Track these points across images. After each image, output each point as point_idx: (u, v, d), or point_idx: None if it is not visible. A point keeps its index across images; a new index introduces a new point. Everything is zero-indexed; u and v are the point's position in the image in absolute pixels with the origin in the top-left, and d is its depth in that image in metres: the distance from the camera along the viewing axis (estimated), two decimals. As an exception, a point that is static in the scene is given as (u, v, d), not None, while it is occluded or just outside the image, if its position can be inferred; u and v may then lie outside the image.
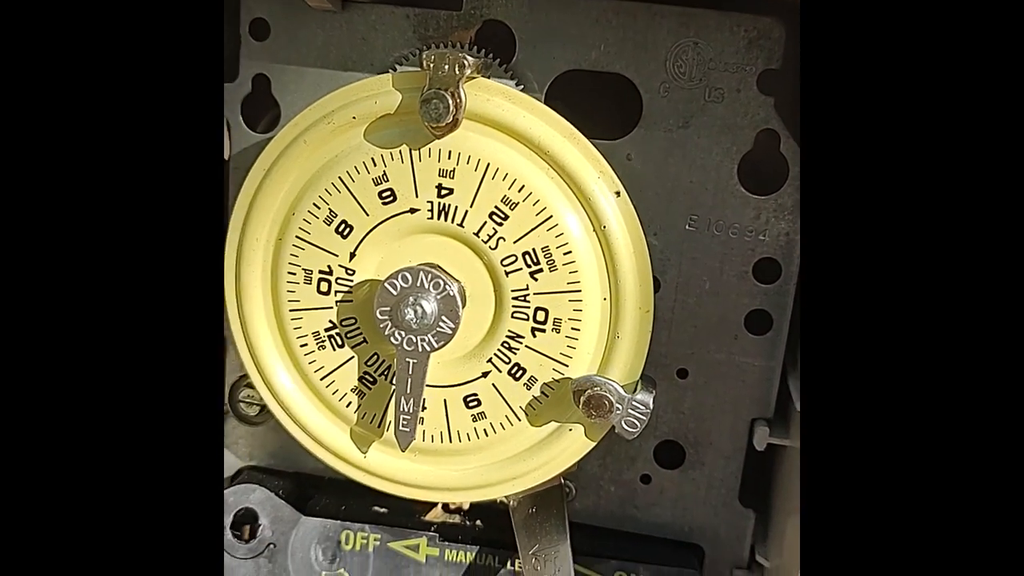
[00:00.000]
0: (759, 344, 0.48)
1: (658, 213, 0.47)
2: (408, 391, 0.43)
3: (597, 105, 0.47)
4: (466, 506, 0.52)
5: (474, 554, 0.51)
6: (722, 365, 0.48)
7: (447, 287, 0.41)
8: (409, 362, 0.42)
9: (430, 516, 0.52)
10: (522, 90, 0.45)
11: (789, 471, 0.48)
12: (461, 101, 0.40)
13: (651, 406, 0.42)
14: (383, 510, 0.52)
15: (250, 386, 0.53)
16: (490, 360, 0.44)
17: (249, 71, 0.49)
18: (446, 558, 0.51)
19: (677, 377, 0.49)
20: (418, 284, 0.41)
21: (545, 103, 0.46)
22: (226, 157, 0.52)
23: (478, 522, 0.52)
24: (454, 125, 0.41)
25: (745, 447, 0.49)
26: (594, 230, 0.42)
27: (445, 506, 0.52)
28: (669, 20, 0.45)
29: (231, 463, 0.55)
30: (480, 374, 0.44)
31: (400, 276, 0.42)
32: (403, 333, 0.42)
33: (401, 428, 0.43)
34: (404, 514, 0.52)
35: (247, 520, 0.52)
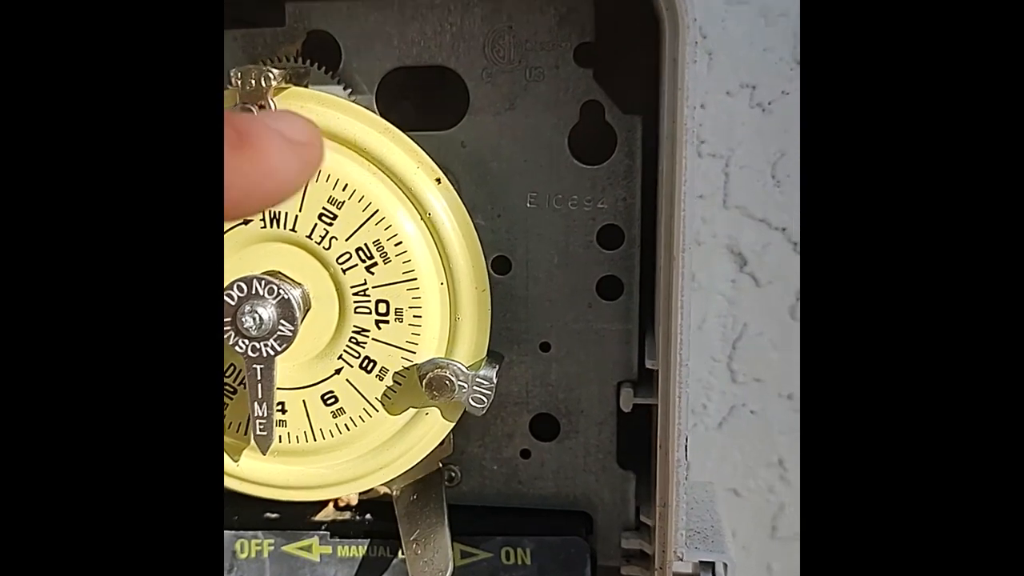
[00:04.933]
0: (614, 309, 0.49)
1: (499, 195, 0.48)
2: (260, 396, 0.44)
3: (433, 98, 0.48)
4: (355, 502, 0.53)
5: (366, 547, 0.52)
6: (581, 334, 0.49)
7: (281, 291, 0.42)
8: (257, 368, 0.43)
9: (320, 515, 0.53)
10: (350, 94, 0.47)
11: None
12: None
13: (495, 380, 0.43)
14: (275, 516, 0.53)
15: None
16: (340, 356, 0.45)
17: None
18: (339, 554, 0.52)
19: (540, 351, 0.50)
20: (254, 292, 0.42)
21: (378, 103, 0.47)
22: None
23: (368, 516, 0.53)
24: (267, 133, 0.41)
25: (615, 411, 0.50)
26: (421, 218, 0.43)
27: (335, 504, 0.53)
28: (482, 7, 0.46)
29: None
30: (334, 371, 0.45)
31: (235, 287, 0.42)
32: (246, 341, 0.43)
33: (259, 433, 0.44)
34: (296, 517, 0.53)
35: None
